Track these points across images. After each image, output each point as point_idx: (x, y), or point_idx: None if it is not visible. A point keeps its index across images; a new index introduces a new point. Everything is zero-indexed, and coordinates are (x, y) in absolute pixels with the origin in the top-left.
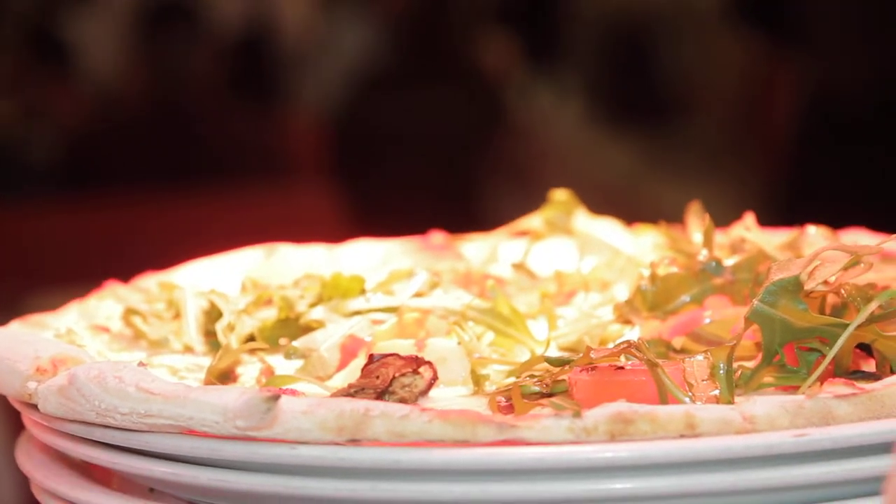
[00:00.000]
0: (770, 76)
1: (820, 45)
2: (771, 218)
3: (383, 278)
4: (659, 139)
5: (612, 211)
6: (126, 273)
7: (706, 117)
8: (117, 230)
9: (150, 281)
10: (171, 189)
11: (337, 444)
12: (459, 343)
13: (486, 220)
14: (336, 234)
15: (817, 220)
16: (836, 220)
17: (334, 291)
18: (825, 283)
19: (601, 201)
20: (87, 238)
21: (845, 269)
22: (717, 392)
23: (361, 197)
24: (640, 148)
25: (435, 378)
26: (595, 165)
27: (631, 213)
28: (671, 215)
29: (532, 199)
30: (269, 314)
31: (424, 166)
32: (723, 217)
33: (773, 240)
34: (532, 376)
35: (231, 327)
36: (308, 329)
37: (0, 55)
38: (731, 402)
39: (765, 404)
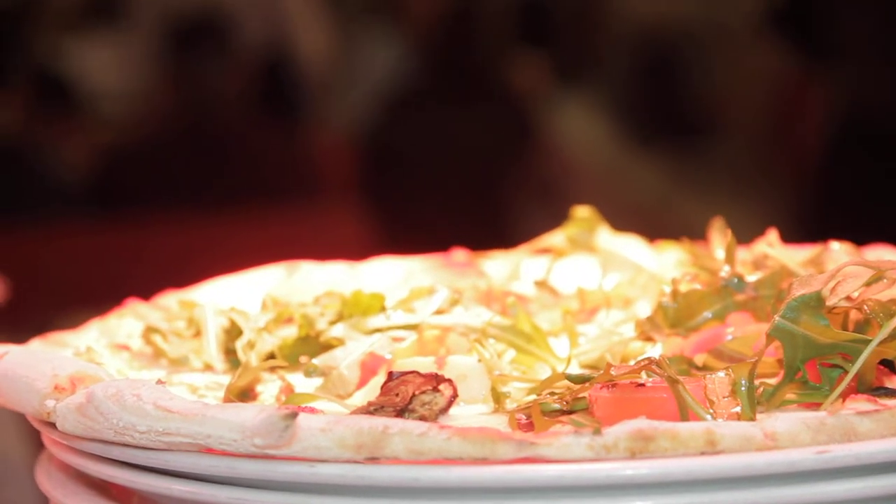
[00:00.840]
0: (800, 93)
1: (850, 62)
2: (800, 236)
3: (404, 296)
4: (688, 158)
5: (640, 230)
6: (151, 293)
7: (736, 135)
8: (143, 251)
9: (171, 299)
10: (197, 209)
11: (355, 461)
12: (480, 360)
13: (513, 239)
14: (363, 253)
15: (846, 238)
16: (865, 237)
17: (355, 309)
18: (848, 298)
19: (629, 220)
20: (114, 258)
21: (868, 284)
22: (738, 409)
23: (388, 216)
24: (669, 166)
25: (455, 396)
26: (623, 184)
27: (659, 231)
28: (700, 234)
29: (560, 218)
30: (290, 332)
31: (452, 185)
32: (752, 235)
33: (796, 256)
34: (552, 394)
35: (251, 345)
36: (328, 347)
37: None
38: (752, 419)
39: (786, 421)
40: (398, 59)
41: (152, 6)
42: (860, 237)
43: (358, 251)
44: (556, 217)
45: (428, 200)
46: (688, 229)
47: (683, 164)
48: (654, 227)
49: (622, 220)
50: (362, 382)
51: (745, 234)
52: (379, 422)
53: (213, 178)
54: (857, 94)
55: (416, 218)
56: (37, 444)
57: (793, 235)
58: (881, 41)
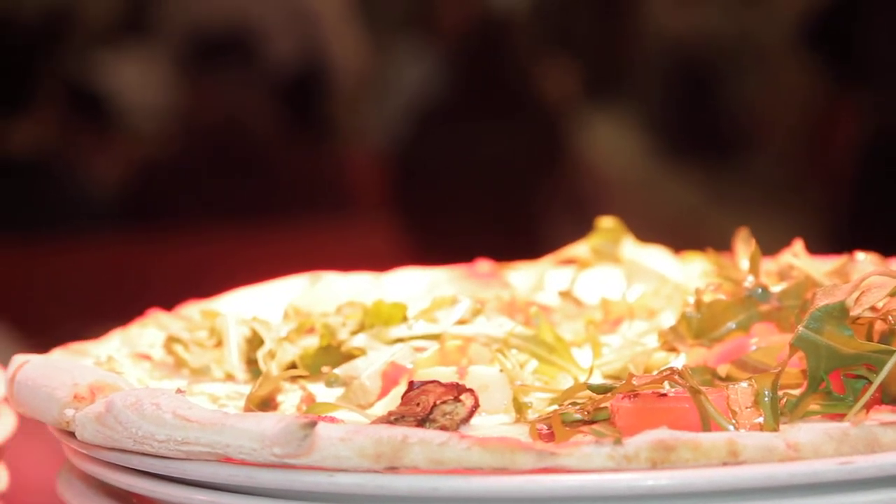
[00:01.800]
0: (832, 110)
1: (882, 80)
2: (829, 250)
3: (426, 306)
4: (720, 173)
5: (670, 244)
6: (177, 306)
7: (767, 151)
8: (171, 265)
9: (193, 309)
10: (225, 223)
11: (375, 471)
12: (502, 370)
13: (542, 251)
14: (391, 266)
15: (877, 251)
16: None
17: (376, 319)
18: (872, 308)
19: (660, 234)
20: (141, 272)
21: (892, 295)
22: (761, 420)
23: (418, 230)
24: (701, 181)
25: (476, 405)
26: (654, 198)
27: (690, 246)
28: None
29: (589, 231)
30: (311, 342)
31: (482, 199)
32: (782, 249)
33: (821, 266)
34: (574, 404)
35: (272, 354)
36: (350, 357)
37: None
38: (775, 430)
39: (809, 432)
40: (429, 73)
41: (183, 21)
42: (888, 252)
43: (386, 265)
44: (585, 230)
45: (457, 214)
46: (719, 244)
47: (715, 179)
48: (685, 241)
49: (653, 233)
50: (384, 392)
51: (776, 248)
52: (398, 431)
53: (241, 192)
54: (888, 113)
55: (445, 231)
56: (57, 454)
57: (822, 250)
58: None
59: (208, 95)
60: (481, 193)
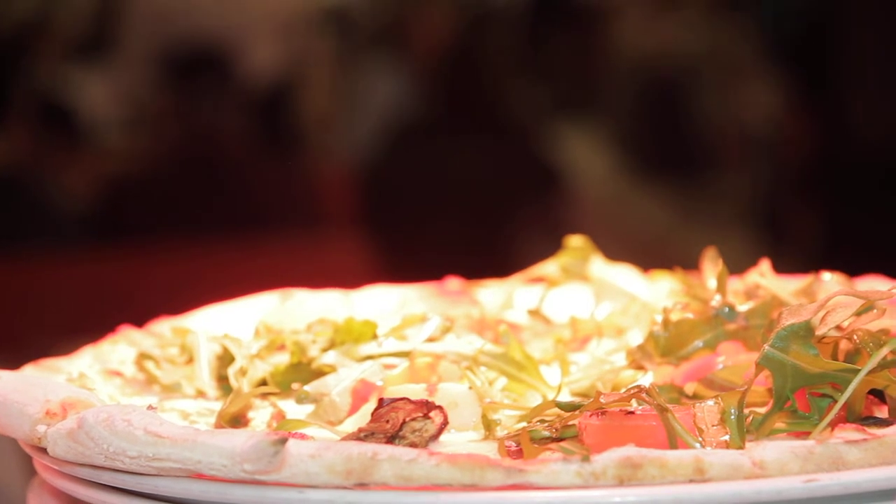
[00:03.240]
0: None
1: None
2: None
3: (396, 323)
4: (690, 191)
5: (642, 262)
6: (148, 322)
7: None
8: (142, 280)
9: (164, 326)
10: (196, 240)
11: (345, 488)
12: (471, 388)
13: (513, 269)
14: (361, 284)
15: (846, 270)
16: (867, 269)
17: (347, 336)
18: (837, 328)
19: (632, 252)
20: (112, 288)
21: (857, 314)
22: (727, 437)
23: (388, 248)
24: (671, 199)
25: (445, 423)
26: (625, 216)
27: (662, 263)
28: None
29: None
30: (282, 359)
31: (453, 217)
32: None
33: (787, 286)
34: (542, 421)
35: (243, 371)
36: (320, 374)
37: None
38: (741, 448)
39: (775, 449)
40: (401, 90)
41: (155, 36)
42: (862, 269)
43: (356, 282)
44: (555, 249)
45: (428, 232)
46: (691, 262)
47: (685, 197)
48: (657, 259)
49: (623, 251)
50: (353, 409)
51: (743, 267)
52: (368, 448)
53: (212, 209)
54: (857, 128)
55: (416, 250)
56: (29, 470)
57: (792, 268)
58: (881, 75)
59: (180, 111)
60: (451, 211)
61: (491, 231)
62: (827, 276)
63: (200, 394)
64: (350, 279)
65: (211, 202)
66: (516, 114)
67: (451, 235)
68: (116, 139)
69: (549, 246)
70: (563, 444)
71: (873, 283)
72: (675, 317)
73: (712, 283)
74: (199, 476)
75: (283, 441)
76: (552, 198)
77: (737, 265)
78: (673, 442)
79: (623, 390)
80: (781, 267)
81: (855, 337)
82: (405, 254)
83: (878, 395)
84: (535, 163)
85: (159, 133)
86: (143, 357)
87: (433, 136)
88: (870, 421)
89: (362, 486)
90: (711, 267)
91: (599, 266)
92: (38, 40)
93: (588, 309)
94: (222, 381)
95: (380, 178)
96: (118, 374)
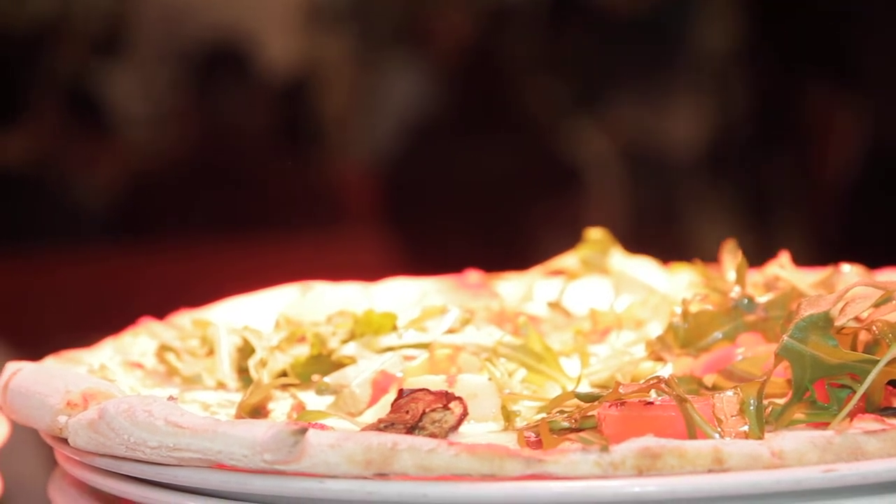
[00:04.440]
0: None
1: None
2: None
3: (416, 315)
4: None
5: (658, 254)
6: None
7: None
8: (163, 276)
9: (185, 318)
10: (217, 235)
11: (365, 477)
12: (490, 379)
13: (531, 263)
14: (383, 278)
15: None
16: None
17: (366, 328)
18: (856, 319)
19: (647, 245)
20: (133, 283)
21: (876, 305)
22: (746, 428)
23: (408, 245)
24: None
25: (465, 413)
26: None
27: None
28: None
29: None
30: (302, 351)
31: (473, 210)
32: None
33: (806, 278)
34: (562, 412)
35: (263, 363)
36: (340, 365)
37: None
38: (760, 438)
39: (793, 439)
40: (420, 87)
41: (177, 33)
42: (875, 264)
43: (376, 276)
44: (574, 241)
45: (447, 225)
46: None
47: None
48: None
49: (640, 245)
50: (373, 400)
51: (763, 259)
52: (388, 438)
53: (233, 204)
54: (881, 126)
55: (435, 246)
56: (50, 460)
57: (808, 261)
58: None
59: (202, 107)
60: (471, 205)
61: (510, 225)
62: (846, 267)
63: (221, 385)
64: (369, 273)
65: (232, 197)
66: (534, 110)
67: (471, 230)
68: (138, 135)
69: (569, 239)
70: (582, 434)
71: (892, 275)
72: (694, 308)
73: (731, 274)
74: (220, 466)
75: (303, 431)
76: (571, 192)
77: (753, 258)
78: (692, 432)
79: (642, 381)
80: (798, 259)
81: (874, 328)
82: (425, 249)
83: None
84: (554, 158)
85: (181, 129)
86: (163, 349)
87: (453, 133)
88: (889, 411)
89: (382, 475)
90: (731, 259)
91: (619, 258)
92: (62, 37)
93: (608, 301)
94: (242, 372)
95: (400, 174)
96: (139, 365)
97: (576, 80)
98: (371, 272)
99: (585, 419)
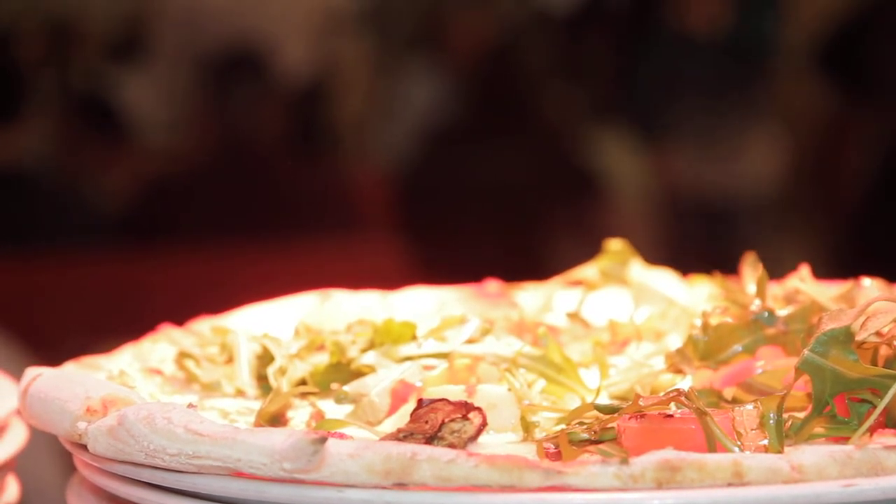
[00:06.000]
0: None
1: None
2: (837, 274)
3: (435, 325)
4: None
5: (676, 264)
6: (186, 321)
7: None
8: (179, 281)
9: (204, 325)
10: (233, 240)
11: (384, 487)
12: (510, 390)
13: (550, 272)
14: (398, 286)
15: (882, 276)
16: None
17: (386, 337)
18: (877, 334)
19: (666, 254)
20: (150, 287)
21: None
22: (766, 442)
23: (425, 250)
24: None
25: (484, 424)
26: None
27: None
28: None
29: (597, 251)
30: (321, 359)
31: (492, 219)
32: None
33: (827, 291)
34: (581, 423)
35: (282, 371)
36: (359, 374)
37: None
38: (780, 452)
39: (813, 454)
40: (438, 92)
41: (193, 37)
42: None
43: (394, 284)
44: (594, 252)
45: (465, 235)
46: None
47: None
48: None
49: (659, 254)
50: (392, 409)
51: (783, 272)
52: (407, 448)
53: (250, 210)
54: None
55: (452, 252)
56: (68, 466)
57: (830, 274)
58: None
59: (219, 112)
60: (490, 213)
61: (528, 232)
62: (867, 281)
63: (240, 393)
64: (387, 281)
65: (250, 203)
66: (554, 116)
67: (488, 237)
68: (156, 140)
69: (588, 249)
70: (601, 446)
71: None
72: (714, 321)
73: (751, 287)
74: (239, 474)
75: (323, 440)
76: (590, 201)
77: (774, 271)
78: (712, 445)
79: (662, 394)
80: (819, 272)
81: (895, 343)
82: (443, 256)
83: None
84: (573, 166)
85: (198, 134)
86: (183, 356)
87: (471, 138)
88: None
89: (401, 485)
90: (751, 272)
91: (638, 270)
92: (74, 40)
93: (627, 312)
94: (262, 380)
95: (417, 180)
96: (158, 372)
97: (597, 87)
98: (387, 279)
99: (605, 431)
